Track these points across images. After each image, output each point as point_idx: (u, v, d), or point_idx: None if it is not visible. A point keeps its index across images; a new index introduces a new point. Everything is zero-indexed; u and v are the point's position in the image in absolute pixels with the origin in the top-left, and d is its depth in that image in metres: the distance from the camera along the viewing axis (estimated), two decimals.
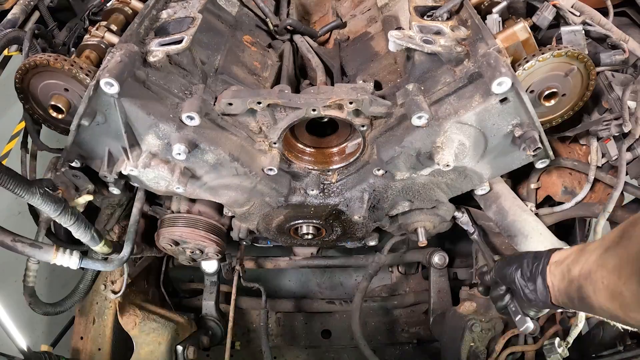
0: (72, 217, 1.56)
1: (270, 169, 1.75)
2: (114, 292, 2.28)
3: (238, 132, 1.72)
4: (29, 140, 1.94)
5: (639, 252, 1.00)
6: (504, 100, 1.51)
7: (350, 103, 1.62)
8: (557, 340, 1.91)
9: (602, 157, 1.88)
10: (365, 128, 1.73)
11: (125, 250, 1.85)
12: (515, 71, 1.57)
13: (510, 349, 2.22)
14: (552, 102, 1.68)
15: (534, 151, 1.56)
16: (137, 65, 1.57)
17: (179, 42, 1.67)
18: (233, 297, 2.47)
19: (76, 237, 1.65)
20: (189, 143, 1.59)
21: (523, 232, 1.85)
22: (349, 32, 2.39)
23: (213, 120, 1.66)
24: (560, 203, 2.01)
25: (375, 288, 3.16)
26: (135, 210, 1.93)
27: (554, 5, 1.80)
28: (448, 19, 1.85)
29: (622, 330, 1.93)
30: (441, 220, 2.05)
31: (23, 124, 1.89)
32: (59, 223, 1.57)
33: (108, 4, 2.02)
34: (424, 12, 1.89)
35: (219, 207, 2.09)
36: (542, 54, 1.58)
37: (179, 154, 1.58)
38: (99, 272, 2.20)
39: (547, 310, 1.45)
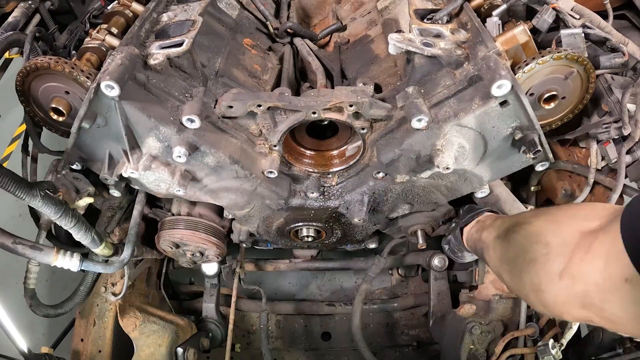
0: (72, 220, 1.56)
1: (271, 172, 1.75)
2: (115, 295, 2.27)
3: (238, 135, 1.73)
4: (30, 142, 1.95)
5: (514, 257, 1.25)
6: (503, 103, 1.51)
7: (351, 106, 1.63)
8: (551, 341, 1.91)
9: (602, 160, 1.88)
10: (365, 131, 1.73)
11: (126, 253, 1.85)
12: (515, 74, 1.57)
13: (509, 351, 2.22)
14: (552, 104, 1.68)
15: (533, 154, 1.56)
16: (138, 68, 1.57)
17: (180, 45, 1.67)
18: (233, 299, 2.47)
19: (77, 239, 1.64)
20: (190, 146, 1.59)
21: None
22: (349, 35, 2.39)
23: (213, 122, 1.67)
24: None
25: (375, 290, 3.16)
26: (135, 213, 1.93)
27: (554, 8, 1.80)
28: (448, 22, 1.85)
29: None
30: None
31: (24, 127, 1.90)
32: (60, 225, 1.57)
33: (109, 7, 2.03)
34: (424, 15, 1.89)
35: (219, 210, 2.09)
36: (542, 56, 1.59)
37: (180, 156, 1.59)
38: (99, 274, 2.20)
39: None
